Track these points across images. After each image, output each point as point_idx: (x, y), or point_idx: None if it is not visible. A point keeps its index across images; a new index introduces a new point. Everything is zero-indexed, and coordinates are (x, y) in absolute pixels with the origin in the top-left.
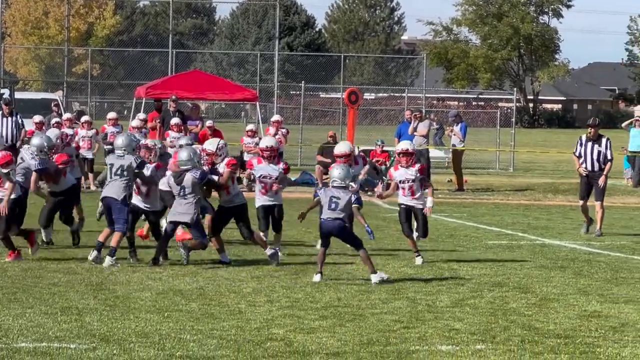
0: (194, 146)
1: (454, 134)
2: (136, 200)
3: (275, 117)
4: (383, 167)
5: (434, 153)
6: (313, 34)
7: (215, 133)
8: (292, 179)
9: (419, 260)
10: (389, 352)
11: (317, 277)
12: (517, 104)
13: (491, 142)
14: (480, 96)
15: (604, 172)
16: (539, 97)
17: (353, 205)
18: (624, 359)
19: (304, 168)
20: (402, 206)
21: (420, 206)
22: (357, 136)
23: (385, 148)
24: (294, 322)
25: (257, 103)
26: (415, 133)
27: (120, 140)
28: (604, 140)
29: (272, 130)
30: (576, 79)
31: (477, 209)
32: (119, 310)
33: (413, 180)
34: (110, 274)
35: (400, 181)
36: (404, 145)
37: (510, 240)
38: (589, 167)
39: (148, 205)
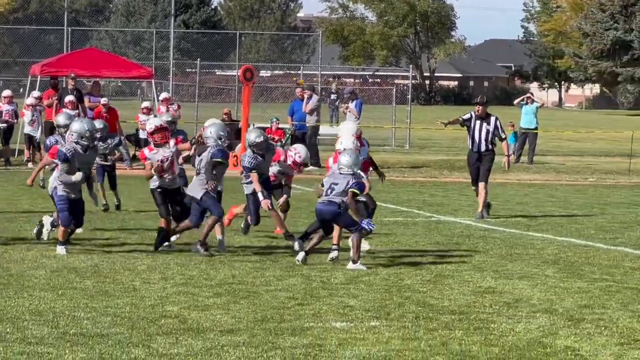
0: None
1: (349, 111)
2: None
3: (164, 95)
4: (278, 144)
5: (328, 130)
6: (209, 11)
7: (110, 111)
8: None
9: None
10: (283, 329)
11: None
12: (413, 81)
13: (387, 119)
14: (377, 73)
15: (505, 153)
16: (435, 74)
17: (349, 190)
18: (517, 334)
19: None
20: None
21: None
22: (253, 113)
23: (280, 125)
24: (189, 300)
25: (153, 81)
26: (305, 110)
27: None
28: (492, 119)
29: (162, 108)
30: (472, 56)
31: (372, 186)
32: (12, 289)
33: None
34: (5, 252)
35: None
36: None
37: (406, 217)
38: (476, 148)
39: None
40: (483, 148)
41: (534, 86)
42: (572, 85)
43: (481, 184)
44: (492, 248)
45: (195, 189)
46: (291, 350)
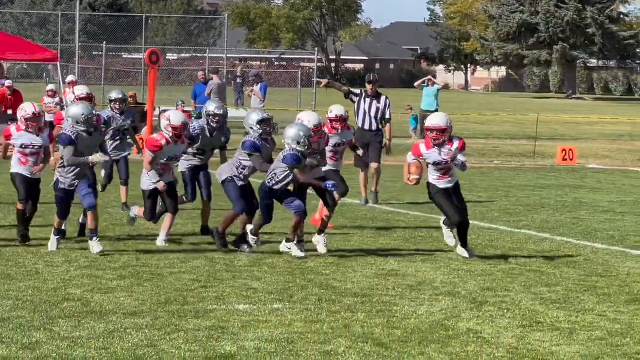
0: None
1: (254, 94)
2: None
3: (70, 78)
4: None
5: (236, 113)
6: None
7: (15, 93)
8: None
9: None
10: (186, 311)
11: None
12: (319, 64)
13: (292, 101)
14: (283, 56)
15: (387, 137)
16: (341, 57)
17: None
18: (420, 317)
19: None
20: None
21: None
22: (159, 96)
23: (185, 108)
24: (92, 282)
25: (59, 63)
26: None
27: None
28: (383, 99)
29: (68, 91)
30: (378, 38)
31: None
32: None
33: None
34: None
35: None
36: (339, 111)
37: (309, 200)
38: (367, 126)
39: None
40: (374, 127)
41: (440, 69)
42: (479, 68)
43: (374, 165)
44: (395, 231)
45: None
46: (194, 332)
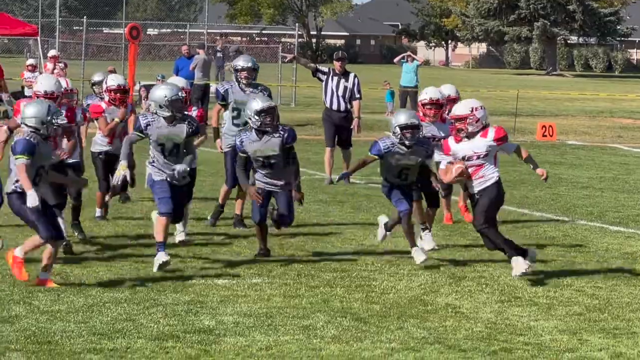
0: None
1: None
2: None
3: (52, 52)
4: None
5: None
6: None
7: None
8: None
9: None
10: (165, 286)
11: None
12: (300, 40)
13: (273, 77)
14: (264, 32)
15: (356, 114)
16: (322, 33)
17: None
18: (398, 292)
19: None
20: None
21: None
22: (139, 72)
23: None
24: (71, 256)
25: (39, 38)
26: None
27: None
28: (351, 77)
29: (49, 65)
30: (359, 14)
31: None
32: None
33: None
34: None
35: None
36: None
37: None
38: (335, 106)
39: None
40: (342, 107)
41: (421, 45)
42: (459, 45)
43: (348, 151)
44: (375, 206)
45: None
46: (173, 307)
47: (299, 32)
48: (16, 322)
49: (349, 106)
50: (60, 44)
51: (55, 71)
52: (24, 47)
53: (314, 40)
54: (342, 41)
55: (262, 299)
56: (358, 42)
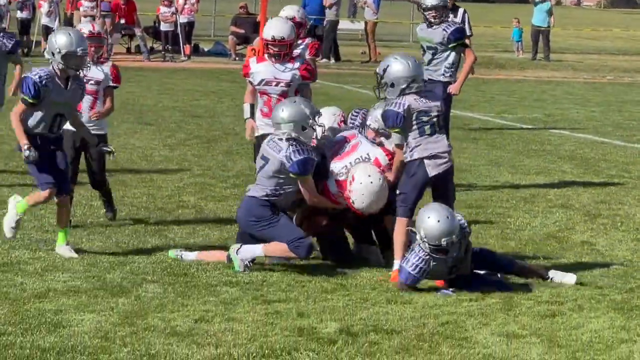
0: None
1: (367, 6)
2: None
3: None
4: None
5: (347, 25)
6: None
7: (129, 2)
8: (205, 49)
9: None
10: None
11: None
12: None
13: (405, 15)
14: None
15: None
16: None
17: None
18: (534, 229)
19: (217, 39)
20: None
21: None
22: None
23: None
24: (205, 190)
25: None
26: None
27: None
28: (460, 12)
29: (181, 1)
30: None
31: None
32: None
33: None
34: None
35: None
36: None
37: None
38: None
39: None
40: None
41: None
42: None
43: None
44: (509, 143)
45: None
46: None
47: None
48: (152, 254)
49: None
50: None
51: (187, 7)
52: None
53: None
54: None
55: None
56: None
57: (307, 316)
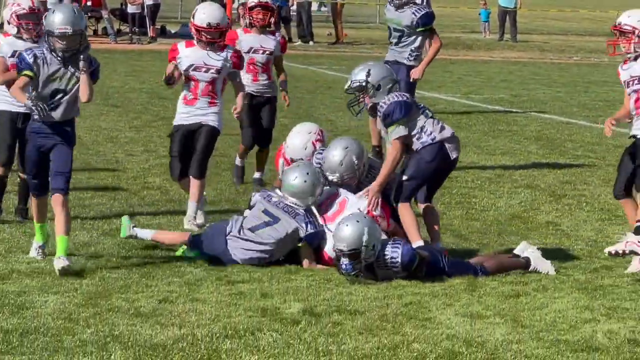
0: None
1: None
2: None
3: None
4: None
5: (315, 6)
6: None
7: None
8: (172, 31)
9: None
10: None
11: None
12: None
13: None
14: None
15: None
16: None
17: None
18: (499, 209)
19: (184, 21)
20: None
21: None
22: None
23: None
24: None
25: None
26: None
27: None
28: None
29: None
30: None
31: (356, 63)
32: None
33: None
34: None
35: None
36: None
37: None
38: None
39: None
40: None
41: None
42: None
43: None
44: (475, 124)
45: None
46: None
47: None
48: (117, 235)
49: None
50: None
51: None
52: None
53: None
54: None
55: None
56: None
57: (270, 297)
